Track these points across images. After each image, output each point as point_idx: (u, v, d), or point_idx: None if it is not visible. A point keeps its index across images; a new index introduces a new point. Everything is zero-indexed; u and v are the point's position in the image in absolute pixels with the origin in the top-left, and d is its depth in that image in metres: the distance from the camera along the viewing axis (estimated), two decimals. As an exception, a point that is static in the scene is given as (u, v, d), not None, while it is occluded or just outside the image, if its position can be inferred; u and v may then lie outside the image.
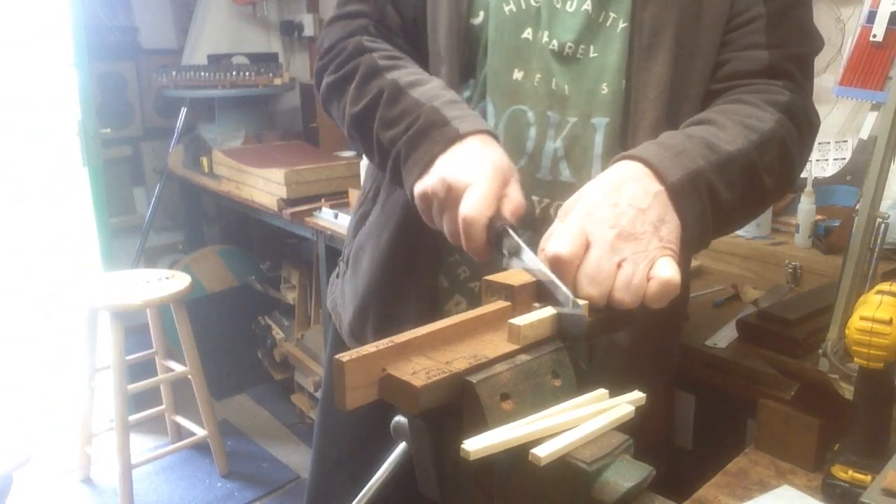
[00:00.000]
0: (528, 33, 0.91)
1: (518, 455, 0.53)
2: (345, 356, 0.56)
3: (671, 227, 0.70)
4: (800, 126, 0.87)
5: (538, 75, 0.91)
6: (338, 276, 1.20)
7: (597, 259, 0.66)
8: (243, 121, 3.44)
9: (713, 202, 0.76)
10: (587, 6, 0.90)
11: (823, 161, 1.94)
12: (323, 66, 1.00)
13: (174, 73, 3.27)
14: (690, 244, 0.74)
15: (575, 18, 0.90)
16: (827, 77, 1.90)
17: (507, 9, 0.91)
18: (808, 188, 1.79)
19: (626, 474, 0.52)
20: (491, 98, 0.93)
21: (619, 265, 0.66)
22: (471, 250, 0.75)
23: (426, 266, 0.99)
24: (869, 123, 1.79)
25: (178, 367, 2.74)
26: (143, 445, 2.91)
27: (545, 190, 0.92)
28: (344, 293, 1.13)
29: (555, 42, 0.91)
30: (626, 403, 0.58)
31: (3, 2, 2.89)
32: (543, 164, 0.92)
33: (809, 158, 1.93)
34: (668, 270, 0.66)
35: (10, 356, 3.11)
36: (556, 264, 0.66)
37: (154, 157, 3.58)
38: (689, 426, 2.22)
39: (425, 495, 0.62)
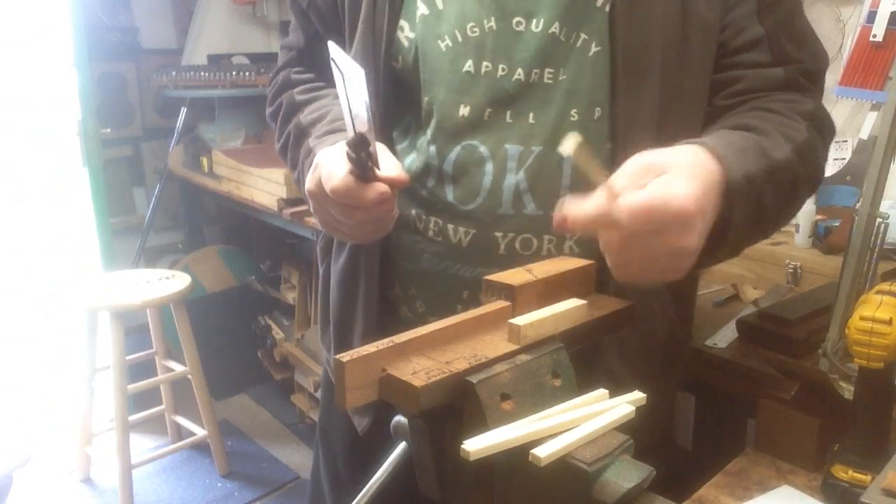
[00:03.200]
0: (469, 66, 0.86)
1: (518, 455, 0.53)
2: (345, 356, 0.56)
3: (710, 217, 0.67)
4: (823, 134, 0.88)
5: (488, 109, 0.86)
6: None
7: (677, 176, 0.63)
8: (243, 121, 3.44)
9: (760, 207, 0.74)
10: (555, 28, 0.84)
11: (823, 161, 1.94)
12: (269, 92, 1.10)
13: (174, 73, 3.27)
14: (728, 245, 0.73)
15: (537, 41, 0.85)
16: (827, 77, 1.90)
17: (442, 45, 0.86)
18: (808, 188, 1.79)
19: (626, 474, 0.52)
20: (433, 137, 0.89)
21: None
22: (342, 194, 0.74)
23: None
24: (869, 123, 1.79)
25: (178, 367, 2.74)
26: (143, 445, 2.91)
27: (508, 225, 0.87)
28: None
29: (503, 68, 0.85)
30: (626, 403, 0.58)
31: (3, 2, 2.89)
32: (504, 198, 0.87)
33: (809, 158, 1.94)
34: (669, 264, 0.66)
35: (10, 356, 3.11)
36: (668, 209, 0.61)
37: (154, 157, 3.58)
38: (689, 426, 2.22)
39: (425, 495, 0.62)
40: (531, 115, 0.86)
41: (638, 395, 0.59)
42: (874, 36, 1.74)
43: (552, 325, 0.65)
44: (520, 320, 0.62)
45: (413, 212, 0.92)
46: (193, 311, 2.74)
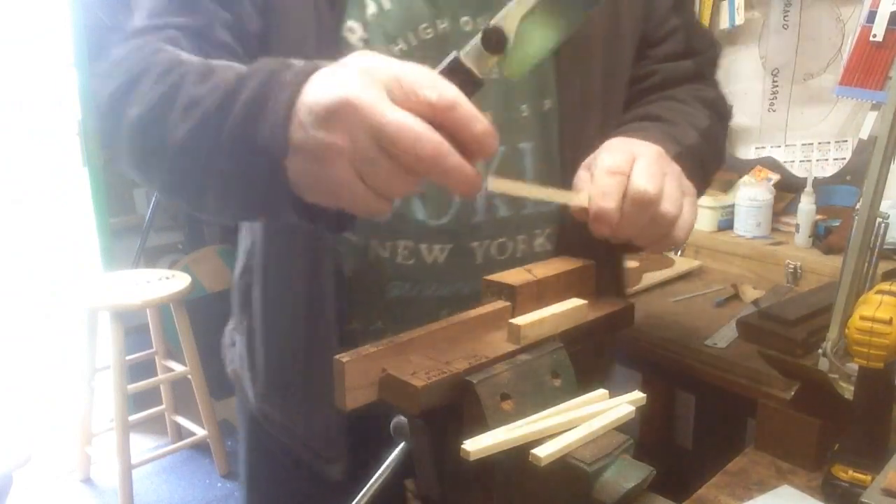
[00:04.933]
0: None
1: (518, 455, 0.53)
2: (345, 356, 0.56)
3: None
4: (723, 120, 0.96)
5: None
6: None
7: (650, 164, 0.70)
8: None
9: (703, 158, 0.84)
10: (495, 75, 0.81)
11: (823, 161, 1.94)
12: (103, 83, 0.76)
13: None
14: None
15: None
16: (827, 77, 1.90)
17: (395, 49, 0.79)
18: (808, 188, 1.79)
19: (626, 474, 0.52)
20: None
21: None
22: (482, 146, 0.55)
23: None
24: (869, 123, 1.79)
25: (178, 367, 2.74)
26: (143, 445, 2.91)
27: (483, 232, 0.84)
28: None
29: None
30: (626, 403, 0.58)
31: (4, 2, 2.89)
32: (478, 206, 0.83)
33: (809, 158, 1.94)
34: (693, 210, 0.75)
35: (10, 356, 3.11)
36: (643, 201, 0.68)
37: (154, 157, 3.58)
38: (689, 426, 2.22)
39: (425, 495, 0.62)
40: (489, 114, 0.84)
41: (638, 395, 0.59)
42: (874, 36, 1.74)
43: (552, 325, 0.65)
44: (520, 320, 0.62)
45: (372, 242, 0.83)
46: (193, 311, 2.74)
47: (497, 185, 0.64)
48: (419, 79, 0.54)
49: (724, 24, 2.02)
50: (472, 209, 0.83)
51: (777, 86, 2.01)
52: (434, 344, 0.61)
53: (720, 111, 0.96)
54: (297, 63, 0.60)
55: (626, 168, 0.69)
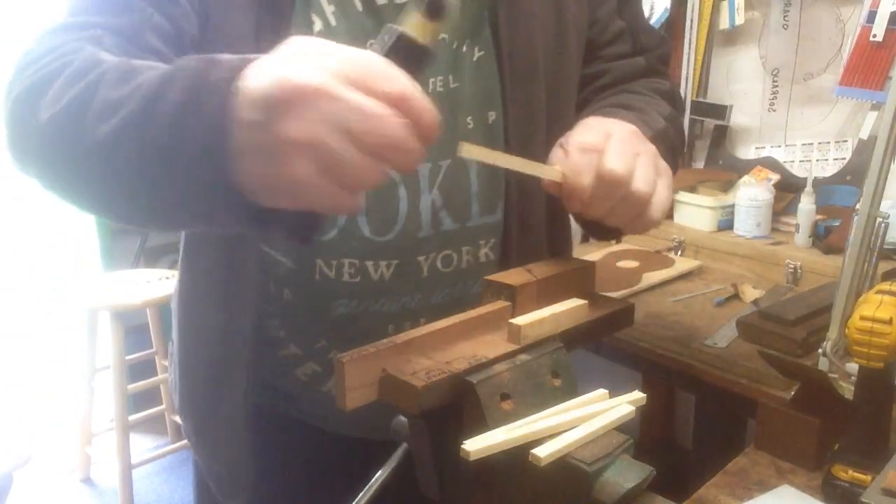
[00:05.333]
0: None
1: (518, 455, 0.53)
2: (345, 356, 0.56)
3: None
4: (679, 110, 0.99)
5: None
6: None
7: (621, 141, 0.72)
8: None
9: (671, 144, 0.87)
10: (442, 36, 0.80)
11: (823, 161, 1.94)
12: (12, 82, 0.67)
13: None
14: None
15: (441, 49, 0.80)
16: (827, 77, 1.90)
17: None
18: (808, 188, 1.79)
19: (626, 474, 0.52)
20: None
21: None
22: (429, 136, 0.52)
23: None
24: (869, 123, 1.79)
25: (178, 367, 2.74)
26: (143, 445, 2.91)
27: (429, 246, 0.83)
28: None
29: None
30: (626, 403, 0.58)
31: (4, 2, 2.89)
32: (423, 220, 0.82)
33: (809, 158, 1.94)
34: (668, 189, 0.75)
35: (10, 355, 3.11)
36: (612, 180, 0.69)
37: (154, 156, 3.58)
38: (689, 426, 2.22)
39: (425, 495, 0.62)
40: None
41: (638, 395, 0.59)
42: (874, 36, 1.74)
43: (552, 325, 0.65)
44: (520, 320, 0.63)
45: (318, 261, 0.81)
46: (193, 310, 2.74)
47: (469, 150, 0.64)
48: (370, 67, 0.50)
49: (724, 24, 2.02)
50: (417, 224, 0.82)
51: (777, 86, 2.01)
52: (434, 344, 0.61)
53: (676, 102, 0.99)
54: (225, 57, 0.54)
55: (599, 145, 0.71)
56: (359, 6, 0.78)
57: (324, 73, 0.48)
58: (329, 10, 0.77)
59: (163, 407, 2.88)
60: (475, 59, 0.83)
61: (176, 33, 0.72)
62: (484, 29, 0.83)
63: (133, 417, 2.62)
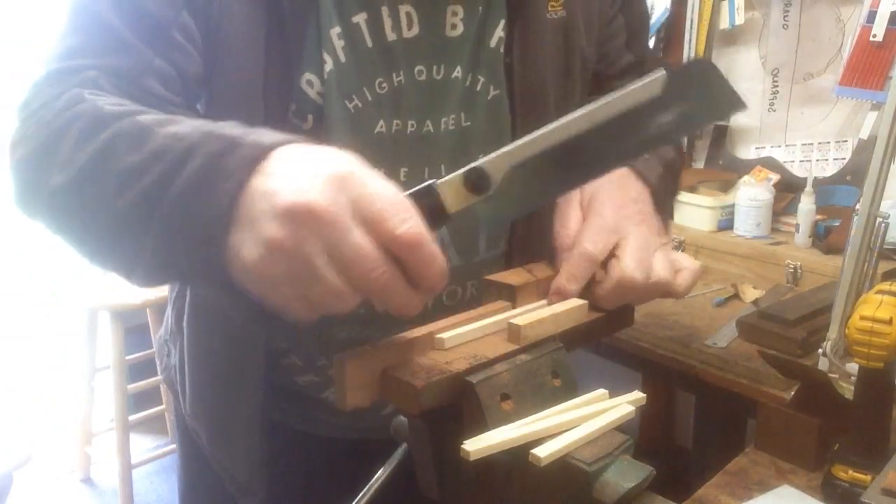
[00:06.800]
0: (381, 126, 0.78)
1: (518, 455, 0.53)
2: (345, 356, 0.56)
3: (659, 223, 0.78)
4: None
5: (404, 169, 0.80)
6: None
7: (638, 249, 0.71)
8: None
9: (668, 192, 0.87)
10: (456, 73, 0.80)
11: (823, 161, 1.94)
12: (15, 141, 0.68)
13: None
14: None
15: (444, 89, 0.80)
16: (827, 77, 1.90)
17: (350, 106, 0.76)
18: (808, 188, 1.79)
19: (626, 474, 0.52)
20: None
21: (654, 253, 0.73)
22: (432, 286, 0.53)
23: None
24: (869, 123, 1.79)
25: (178, 367, 2.73)
26: (143, 445, 2.91)
27: None
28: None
29: (412, 124, 0.79)
30: (626, 403, 0.58)
31: (4, 2, 2.89)
32: None
33: (809, 158, 1.94)
34: (692, 261, 0.77)
35: (10, 356, 3.11)
36: (630, 285, 0.70)
37: (154, 157, 3.57)
38: (689, 426, 2.22)
39: (425, 495, 0.62)
40: (442, 166, 0.82)
41: (638, 395, 0.59)
42: (874, 36, 1.74)
43: (552, 325, 0.65)
44: (520, 320, 0.62)
45: None
46: (193, 311, 2.74)
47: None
48: (389, 206, 0.50)
49: (724, 24, 2.03)
50: None
51: (777, 86, 2.01)
52: (434, 344, 0.61)
53: None
54: (247, 141, 0.54)
55: (602, 254, 0.71)
56: (368, 42, 0.76)
57: (339, 205, 0.49)
58: (339, 45, 0.75)
59: (163, 407, 2.88)
60: (490, 97, 0.82)
61: (179, 75, 0.72)
62: (498, 68, 0.82)
63: (133, 417, 2.62)
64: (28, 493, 2.67)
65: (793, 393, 0.93)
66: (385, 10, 0.76)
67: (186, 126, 0.58)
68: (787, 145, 2.00)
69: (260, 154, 0.52)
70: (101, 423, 2.77)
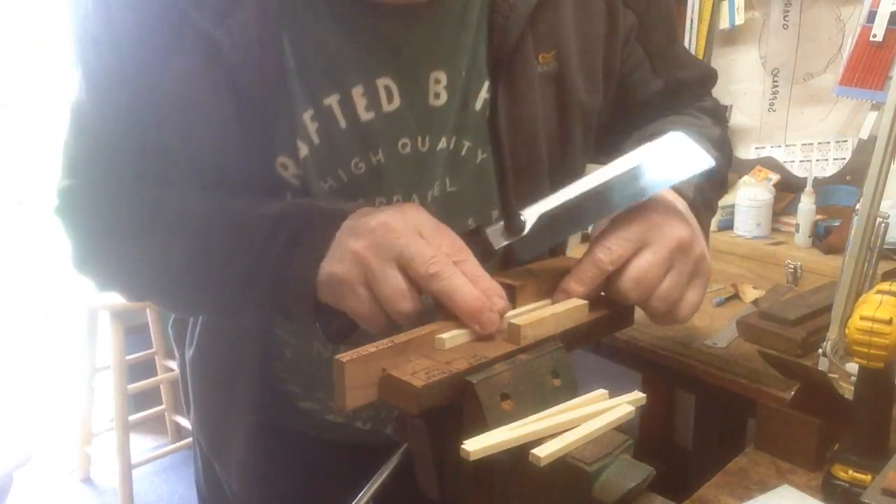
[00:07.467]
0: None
1: (518, 455, 0.53)
2: (345, 356, 0.56)
3: (702, 240, 0.75)
4: (723, 125, 0.98)
5: None
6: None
7: (647, 268, 0.69)
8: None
9: (708, 203, 0.83)
10: (441, 143, 0.78)
11: (823, 161, 1.94)
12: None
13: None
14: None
15: (429, 159, 0.78)
16: (827, 77, 1.90)
17: (325, 187, 0.76)
18: (808, 188, 1.79)
19: (626, 474, 0.52)
20: None
21: (665, 274, 0.71)
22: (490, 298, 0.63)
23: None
24: (869, 123, 1.79)
25: (178, 367, 2.74)
26: (143, 445, 2.91)
27: (430, 317, 0.79)
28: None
29: (398, 199, 0.78)
30: (626, 403, 0.58)
31: (4, 2, 2.89)
32: (427, 298, 0.79)
33: (809, 158, 1.94)
34: (699, 295, 0.75)
35: (10, 356, 3.11)
36: (597, 267, 0.69)
37: (154, 157, 3.58)
38: (689, 426, 2.22)
39: (425, 495, 0.62)
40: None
41: (638, 395, 0.59)
42: (874, 36, 1.74)
43: (552, 325, 0.65)
44: (520, 320, 0.62)
45: (315, 344, 0.85)
46: (193, 311, 2.74)
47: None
48: (442, 231, 0.64)
49: (724, 24, 2.03)
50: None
51: (777, 86, 2.01)
52: (434, 344, 0.61)
53: (719, 118, 0.99)
54: (329, 209, 0.68)
55: (615, 264, 0.69)
56: (342, 123, 0.74)
57: (406, 224, 0.63)
58: (313, 127, 0.73)
59: (163, 407, 2.88)
60: (478, 161, 0.80)
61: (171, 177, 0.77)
62: (484, 131, 0.79)
63: (133, 417, 2.62)
64: (28, 493, 2.67)
65: (793, 393, 0.93)
66: (359, 90, 0.73)
67: (266, 204, 0.71)
68: (787, 145, 2.00)
69: (343, 214, 0.66)
70: (101, 423, 2.77)
